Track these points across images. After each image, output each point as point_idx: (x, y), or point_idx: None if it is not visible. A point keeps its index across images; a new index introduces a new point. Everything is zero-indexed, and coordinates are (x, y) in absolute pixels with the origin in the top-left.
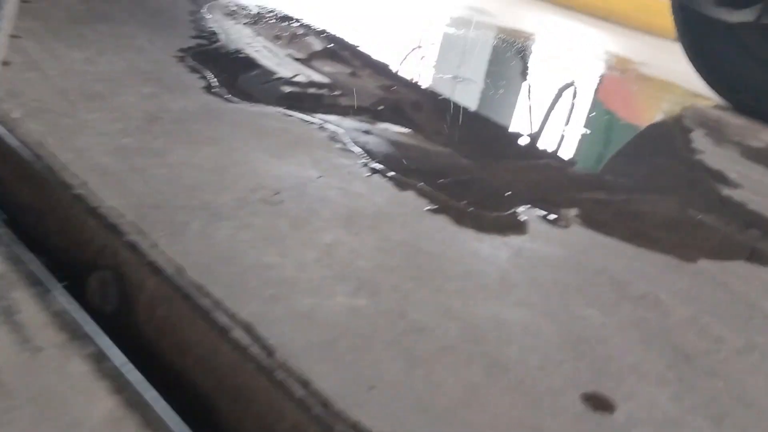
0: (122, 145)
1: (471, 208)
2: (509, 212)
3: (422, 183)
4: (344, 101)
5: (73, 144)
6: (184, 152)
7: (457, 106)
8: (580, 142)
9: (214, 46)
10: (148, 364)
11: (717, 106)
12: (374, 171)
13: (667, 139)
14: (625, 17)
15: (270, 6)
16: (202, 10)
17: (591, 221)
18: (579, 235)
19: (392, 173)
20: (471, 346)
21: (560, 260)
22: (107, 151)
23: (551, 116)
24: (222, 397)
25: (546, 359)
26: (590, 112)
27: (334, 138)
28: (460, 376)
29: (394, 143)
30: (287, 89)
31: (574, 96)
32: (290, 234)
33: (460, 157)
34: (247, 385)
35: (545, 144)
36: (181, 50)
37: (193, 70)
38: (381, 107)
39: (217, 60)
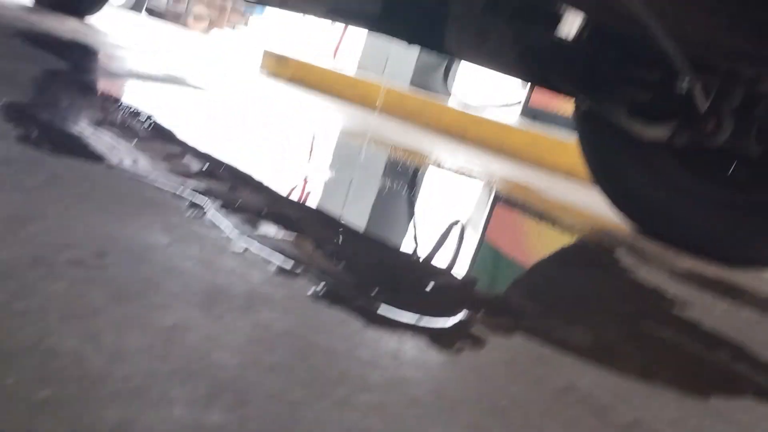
0: None
1: None
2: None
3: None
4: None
5: None
6: None
7: (346, 230)
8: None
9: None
10: None
11: (625, 231)
12: (249, 246)
13: (593, 256)
14: (518, 151)
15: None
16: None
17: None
18: None
19: (276, 252)
20: None
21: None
22: None
23: (445, 243)
24: None
25: None
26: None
27: (200, 206)
28: None
29: (278, 234)
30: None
31: (465, 230)
32: (107, 308)
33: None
34: None
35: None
36: None
37: None
38: (263, 215)
39: None
